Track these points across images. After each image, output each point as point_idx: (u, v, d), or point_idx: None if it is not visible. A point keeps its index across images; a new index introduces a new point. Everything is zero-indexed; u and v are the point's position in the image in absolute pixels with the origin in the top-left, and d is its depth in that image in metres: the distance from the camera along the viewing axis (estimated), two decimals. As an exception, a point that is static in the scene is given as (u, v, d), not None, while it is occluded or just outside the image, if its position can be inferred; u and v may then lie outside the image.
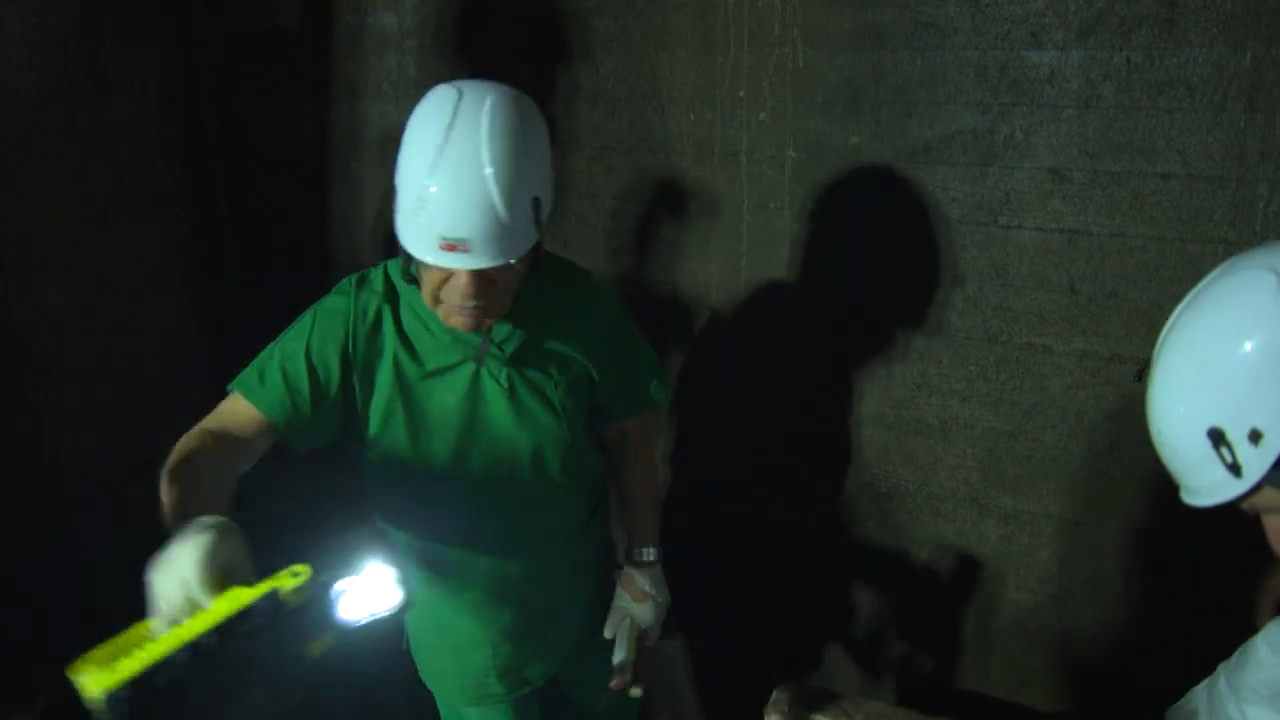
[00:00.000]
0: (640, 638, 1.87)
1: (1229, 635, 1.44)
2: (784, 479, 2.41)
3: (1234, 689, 1.35)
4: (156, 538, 1.10)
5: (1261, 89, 1.76)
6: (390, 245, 2.72)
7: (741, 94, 2.18)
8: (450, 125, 1.43)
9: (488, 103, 1.45)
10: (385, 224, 2.75)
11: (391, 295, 1.64)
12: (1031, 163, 1.96)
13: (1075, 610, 2.17)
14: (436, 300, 1.53)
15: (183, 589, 1.03)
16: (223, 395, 1.59)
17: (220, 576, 1.05)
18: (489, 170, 1.42)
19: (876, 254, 2.15)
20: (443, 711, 2.00)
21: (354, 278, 1.65)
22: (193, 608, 1.03)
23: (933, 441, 2.21)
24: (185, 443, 1.47)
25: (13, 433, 2.41)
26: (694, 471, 2.51)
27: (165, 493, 1.33)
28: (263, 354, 1.61)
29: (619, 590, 1.88)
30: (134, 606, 1.05)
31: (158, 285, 2.77)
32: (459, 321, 1.54)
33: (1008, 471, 2.15)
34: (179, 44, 2.74)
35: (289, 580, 1.08)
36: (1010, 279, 2.03)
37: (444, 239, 1.43)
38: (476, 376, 1.65)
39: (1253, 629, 1.39)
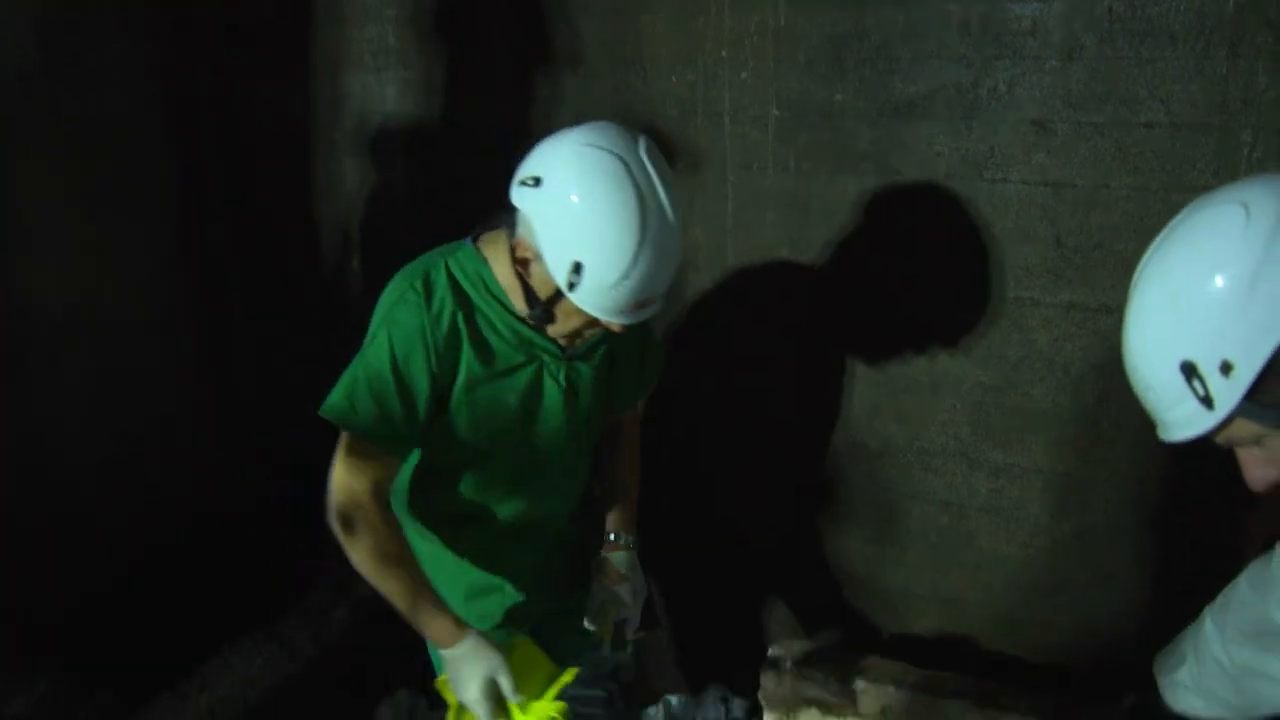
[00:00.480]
0: (620, 625, 1.89)
1: (1218, 582, 1.45)
2: (774, 439, 2.42)
3: (1219, 629, 1.37)
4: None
5: (1244, 35, 1.75)
6: (377, 221, 2.73)
7: (723, 54, 2.16)
8: (640, 200, 1.45)
9: (646, 158, 1.48)
10: (366, 199, 2.75)
11: (461, 300, 1.63)
12: (1015, 115, 1.95)
13: (1066, 562, 2.19)
14: (579, 334, 1.62)
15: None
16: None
17: (499, 700, 1.59)
18: (675, 224, 1.49)
19: (861, 212, 2.14)
20: (436, 659, 2.03)
21: (417, 283, 1.60)
22: None
23: (922, 398, 2.22)
24: (364, 514, 1.58)
25: (4, 417, 2.41)
26: (683, 432, 2.51)
27: (380, 574, 1.60)
28: (351, 383, 1.60)
29: (595, 577, 1.90)
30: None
31: (150, 268, 2.74)
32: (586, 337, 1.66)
33: (997, 425, 2.16)
34: (162, 24, 2.70)
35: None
36: (996, 233, 2.03)
37: (641, 300, 1.51)
38: (539, 376, 1.70)
39: (1239, 570, 1.41)
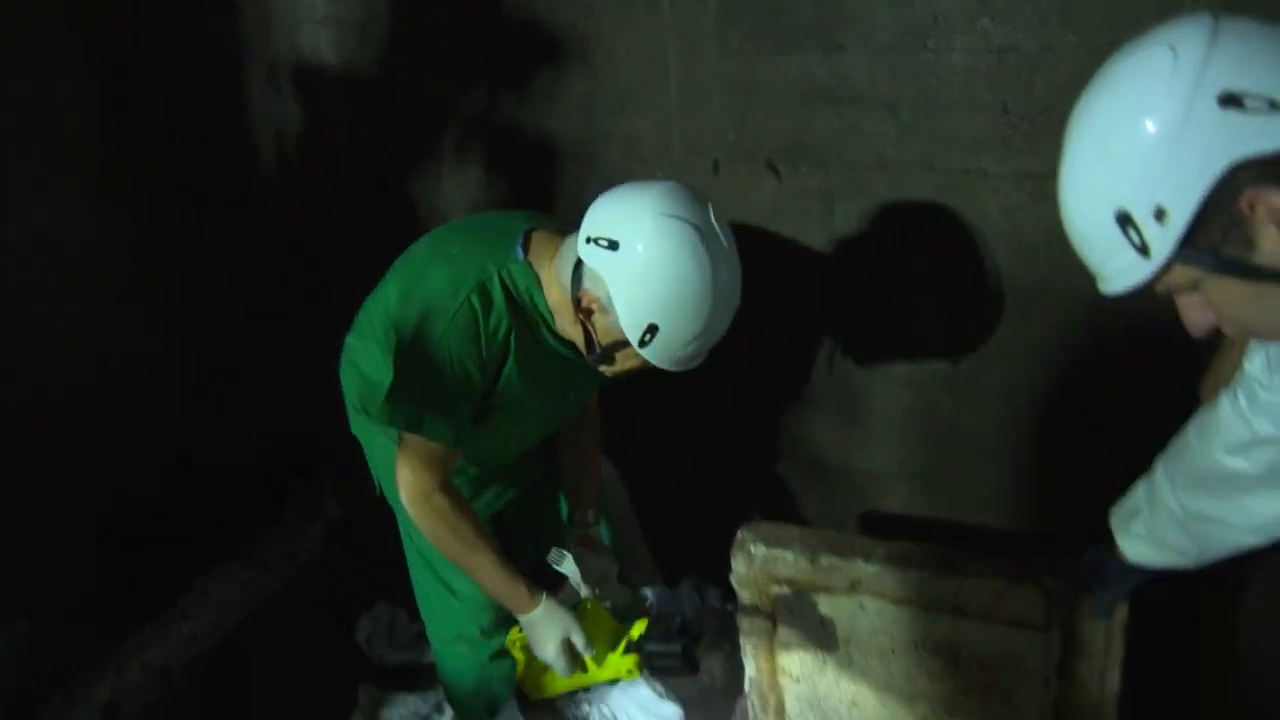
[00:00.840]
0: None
1: (1164, 437, 1.48)
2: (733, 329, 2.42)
3: (1170, 478, 1.40)
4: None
5: (1185, -122, 1.71)
6: (318, 139, 2.66)
7: (657, -66, 2.10)
8: (714, 269, 1.57)
9: (715, 222, 1.59)
10: (305, 136, 2.68)
11: (517, 318, 1.74)
12: (958, -20, 1.91)
13: (1024, 430, 2.22)
14: (628, 370, 1.74)
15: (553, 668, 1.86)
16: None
17: (575, 655, 1.85)
18: (739, 285, 1.65)
19: (806, 89, 2.10)
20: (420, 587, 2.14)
21: (474, 298, 1.68)
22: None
23: (877, 275, 2.22)
24: (437, 508, 1.77)
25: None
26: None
27: (464, 557, 1.82)
28: (411, 392, 1.70)
29: (579, 553, 1.98)
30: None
31: (89, 211, 2.65)
32: None
33: (954, 298, 2.16)
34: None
35: (627, 675, 1.89)
36: (942, 104, 2.00)
37: (700, 352, 1.68)
38: (566, 382, 1.88)
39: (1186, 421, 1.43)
